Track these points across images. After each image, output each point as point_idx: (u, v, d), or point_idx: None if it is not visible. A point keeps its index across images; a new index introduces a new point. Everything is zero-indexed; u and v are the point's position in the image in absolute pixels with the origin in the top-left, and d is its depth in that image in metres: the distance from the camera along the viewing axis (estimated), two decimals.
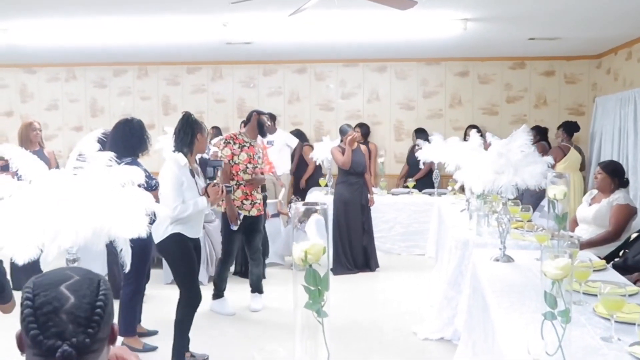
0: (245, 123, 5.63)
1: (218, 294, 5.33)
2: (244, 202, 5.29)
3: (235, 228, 5.22)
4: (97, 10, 5.69)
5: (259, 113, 5.47)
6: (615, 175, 4.84)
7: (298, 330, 1.66)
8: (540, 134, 8.15)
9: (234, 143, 5.33)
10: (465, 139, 6.72)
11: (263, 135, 5.61)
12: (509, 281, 3.26)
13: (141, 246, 3.80)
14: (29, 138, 6.13)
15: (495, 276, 3.38)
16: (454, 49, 8.01)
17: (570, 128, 7.82)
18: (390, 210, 7.61)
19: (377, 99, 9.24)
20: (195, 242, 4.14)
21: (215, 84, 9.43)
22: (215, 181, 4.35)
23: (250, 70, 9.32)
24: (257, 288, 5.46)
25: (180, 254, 4.02)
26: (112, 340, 1.28)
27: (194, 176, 4.07)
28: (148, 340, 4.53)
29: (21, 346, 1.23)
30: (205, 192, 4.05)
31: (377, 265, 6.82)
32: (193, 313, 4.06)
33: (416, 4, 3.66)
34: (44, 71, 9.59)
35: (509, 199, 3.74)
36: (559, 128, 7.98)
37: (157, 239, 4.03)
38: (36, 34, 6.93)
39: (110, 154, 1.85)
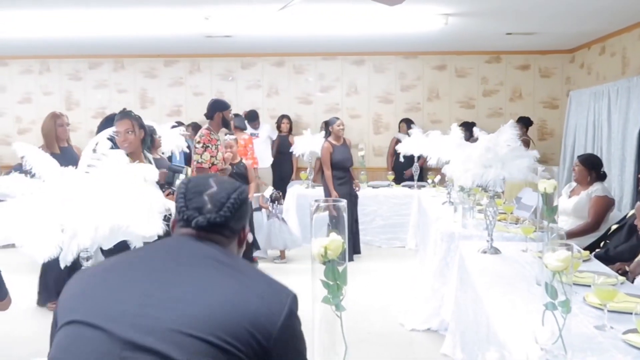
0: (207, 116, 5.40)
1: None
2: None
3: None
4: (73, 2, 5.60)
5: (222, 110, 5.29)
6: (593, 167, 4.98)
7: (317, 324, 1.69)
8: (526, 126, 8.34)
9: (212, 145, 5.22)
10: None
11: (228, 129, 5.62)
12: (498, 272, 3.34)
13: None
14: (56, 134, 5.28)
15: (485, 268, 3.45)
16: (433, 43, 8.09)
17: (526, 122, 8.32)
18: (371, 203, 7.67)
19: (355, 92, 9.29)
20: None
21: (193, 77, 9.37)
22: (172, 188, 3.90)
23: (229, 63, 9.28)
24: None
25: None
26: (241, 242, 1.52)
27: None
28: None
29: (173, 226, 1.51)
30: None
31: (357, 252, 6.97)
32: None
33: (404, 0, 3.70)
34: (17, 63, 9.41)
35: (496, 192, 3.82)
36: (517, 122, 8.21)
37: None
38: (8, 26, 6.78)
39: (123, 152, 1.86)
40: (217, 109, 5.30)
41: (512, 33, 7.30)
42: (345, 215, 1.63)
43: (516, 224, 4.53)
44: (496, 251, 3.79)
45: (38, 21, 6.52)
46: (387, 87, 9.25)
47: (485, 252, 3.81)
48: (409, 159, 7.72)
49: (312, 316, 1.68)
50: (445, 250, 4.55)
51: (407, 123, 8.51)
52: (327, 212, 1.66)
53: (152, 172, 1.88)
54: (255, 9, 5.59)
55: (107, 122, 4.50)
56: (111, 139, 2.01)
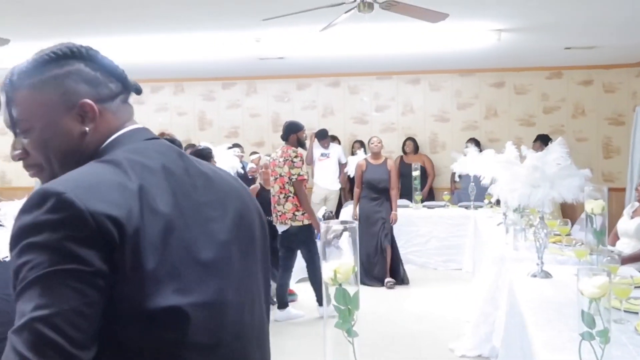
0: (283, 138, 5.69)
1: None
2: (296, 213, 5.43)
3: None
4: (134, 29, 5.83)
5: (296, 132, 5.60)
6: None
7: (329, 350, 1.64)
8: (546, 144, 8.01)
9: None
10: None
11: (303, 149, 5.97)
12: (546, 298, 3.18)
13: None
14: None
15: (532, 292, 3.30)
16: (489, 59, 7.93)
17: (545, 140, 7.92)
18: (426, 224, 7.53)
19: (411, 111, 9.19)
20: None
21: (249, 99, 9.52)
22: None
23: (284, 84, 9.39)
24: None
25: None
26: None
27: None
28: None
29: None
30: None
31: (407, 280, 6.73)
32: None
33: (447, 17, 3.64)
34: None
35: (545, 213, 3.66)
36: (535, 141, 8.03)
37: None
38: None
39: None
40: (292, 131, 5.61)
41: (572, 47, 7.06)
42: (356, 237, 1.58)
43: (571, 246, 4.32)
44: (547, 275, 3.61)
45: (104, 48, 6.79)
46: (443, 105, 9.11)
47: (535, 276, 3.64)
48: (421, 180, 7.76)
49: (323, 342, 1.63)
50: (496, 273, 4.39)
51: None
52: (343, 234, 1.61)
53: None
54: (301, 30, 5.63)
55: None
56: None
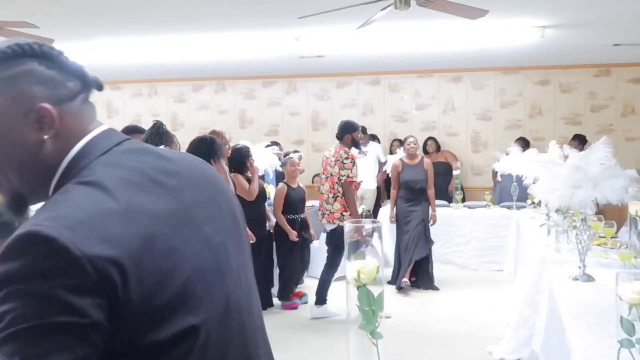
0: (338, 137, 5.63)
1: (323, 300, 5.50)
2: (343, 213, 5.41)
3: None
4: (176, 28, 5.91)
5: (351, 132, 5.55)
6: None
7: (352, 351, 1.62)
8: (582, 144, 7.77)
9: (355, 161, 5.53)
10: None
11: (358, 149, 5.90)
12: (587, 302, 3.07)
13: None
14: None
15: (573, 296, 3.19)
16: (533, 57, 7.74)
17: (582, 140, 7.84)
18: (467, 224, 7.40)
19: (452, 109, 9.06)
20: None
21: (289, 97, 9.55)
22: None
23: (324, 83, 9.38)
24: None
25: None
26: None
27: None
28: None
29: None
30: None
31: (433, 286, 6.50)
32: None
33: (487, 13, 3.55)
34: (128, 87, 10.04)
35: (587, 214, 3.53)
36: (573, 140, 7.86)
37: None
38: (120, 53, 7.28)
39: None
40: (347, 131, 5.57)
41: (621, 44, 6.82)
42: (380, 237, 1.55)
43: (616, 249, 4.17)
44: (589, 278, 3.49)
45: (147, 48, 6.94)
46: (486, 103, 8.94)
47: (576, 279, 3.52)
48: (442, 176, 7.68)
49: (346, 343, 1.60)
50: (536, 275, 4.28)
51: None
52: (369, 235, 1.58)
53: None
54: (339, 28, 5.60)
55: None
56: None
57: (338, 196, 5.42)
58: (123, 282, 0.87)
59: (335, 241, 5.50)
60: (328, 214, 5.49)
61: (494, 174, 8.36)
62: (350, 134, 5.55)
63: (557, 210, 4.38)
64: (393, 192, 6.62)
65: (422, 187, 6.45)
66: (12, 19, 4.02)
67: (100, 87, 1.13)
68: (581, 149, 7.41)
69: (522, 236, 6.02)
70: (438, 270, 7.23)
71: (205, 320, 0.97)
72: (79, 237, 0.86)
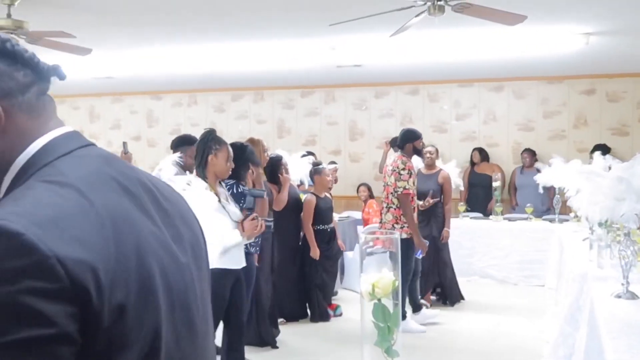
0: (399, 146, 5.52)
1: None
2: (395, 225, 5.28)
3: (421, 256, 5.35)
4: (215, 38, 5.95)
5: (412, 141, 5.41)
6: None
7: None
8: (604, 154, 7.48)
9: (413, 172, 5.34)
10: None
11: (420, 157, 5.74)
12: (630, 321, 2.91)
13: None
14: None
15: (614, 314, 3.03)
16: (578, 66, 7.52)
17: (605, 150, 7.41)
18: (506, 237, 7.21)
19: (493, 119, 8.86)
20: (237, 277, 3.62)
21: (327, 107, 9.51)
22: (254, 214, 3.66)
23: (362, 92, 9.31)
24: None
25: (213, 296, 3.54)
26: None
27: (219, 201, 3.46)
28: None
29: None
30: (241, 225, 3.52)
31: (456, 301, 6.25)
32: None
33: (525, 19, 3.44)
34: (169, 97, 10.18)
35: (631, 228, 3.36)
36: (593, 151, 7.49)
37: None
38: (161, 63, 7.38)
39: (189, 178, 1.85)
40: (408, 140, 5.42)
41: None
42: (398, 249, 1.47)
43: None
44: (633, 296, 3.31)
45: (187, 58, 7.02)
46: (528, 113, 8.71)
47: (619, 297, 3.35)
48: (485, 189, 7.43)
49: None
50: (577, 291, 4.09)
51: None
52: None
53: (210, 200, 1.84)
54: (375, 36, 5.53)
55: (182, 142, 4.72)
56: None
57: (392, 207, 5.30)
58: (98, 290, 0.77)
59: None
60: (383, 224, 5.41)
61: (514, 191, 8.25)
62: (411, 143, 5.39)
63: (600, 224, 4.19)
64: None
65: (434, 199, 5.94)
66: (50, 29, 4.10)
67: (61, 76, 1.00)
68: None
69: (564, 251, 5.81)
70: (476, 284, 7.06)
71: (168, 342, 0.88)
72: (49, 235, 0.75)
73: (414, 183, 5.34)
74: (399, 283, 1.48)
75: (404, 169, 5.26)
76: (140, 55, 6.89)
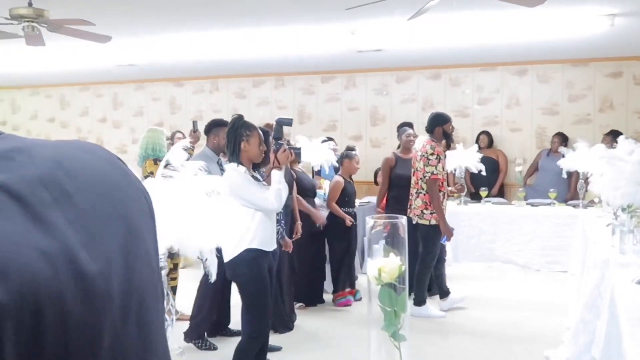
0: (428, 130, 5.43)
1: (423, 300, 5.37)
2: (424, 211, 5.29)
3: (446, 242, 5.37)
4: (234, 24, 5.94)
5: (442, 124, 5.33)
6: None
7: (373, 353, 1.54)
8: (615, 139, 7.30)
9: (442, 157, 5.28)
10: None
11: (449, 141, 5.62)
12: None
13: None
14: None
15: (634, 302, 2.98)
16: (603, 47, 7.35)
17: (615, 135, 7.28)
18: (529, 222, 7.13)
19: (517, 104, 8.73)
20: (270, 260, 3.57)
21: (348, 92, 9.47)
22: (283, 145, 3.65)
23: (383, 77, 9.24)
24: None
25: (250, 277, 3.40)
26: None
27: (258, 180, 3.58)
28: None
29: None
30: (276, 159, 3.54)
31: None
32: (253, 351, 3.54)
33: (545, 0, 3.36)
34: (191, 84, 10.23)
35: None
36: (607, 135, 7.58)
37: (226, 258, 3.42)
38: (182, 50, 7.41)
39: (200, 164, 1.86)
40: (438, 123, 5.36)
41: None
42: (404, 234, 1.47)
43: None
44: None
45: (208, 44, 7.03)
46: (552, 97, 8.57)
47: None
48: (489, 173, 7.36)
49: (367, 345, 1.53)
50: (598, 278, 4.03)
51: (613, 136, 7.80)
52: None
53: (220, 185, 1.85)
54: (395, 20, 5.47)
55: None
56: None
57: (421, 192, 5.29)
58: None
59: (421, 238, 5.38)
60: (412, 210, 5.39)
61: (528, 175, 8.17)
62: (441, 127, 5.33)
63: (623, 209, 4.12)
64: (381, 188, 6.07)
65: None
66: (70, 17, 4.14)
67: None
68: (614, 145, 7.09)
69: (587, 236, 5.73)
70: (498, 270, 7.01)
71: None
72: None
73: (443, 168, 5.31)
74: (405, 268, 1.47)
75: (432, 154, 5.23)
76: (161, 42, 6.92)
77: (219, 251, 1.84)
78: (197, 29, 6.15)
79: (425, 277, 5.41)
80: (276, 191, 3.44)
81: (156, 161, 4.76)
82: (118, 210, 0.72)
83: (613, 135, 7.59)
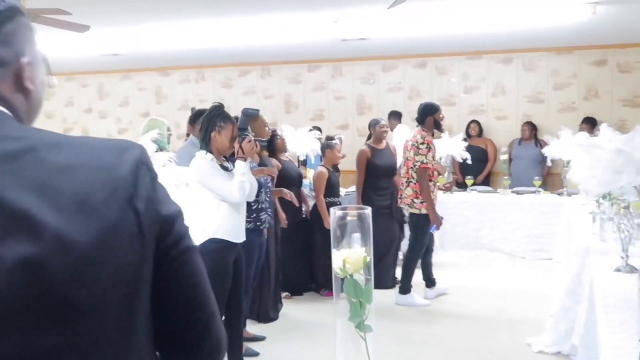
0: (418, 121, 5.44)
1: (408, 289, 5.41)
2: (414, 200, 5.31)
3: (435, 231, 5.40)
4: (218, 12, 5.88)
5: (432, 114, 5.36)
6: None
7: (339, 344, 1.54)
8: (592, 127, 7.34)
9: (432, 146, 5.32)
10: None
11: (439, 130, 5.66)
12: (626, 295, 2.87)
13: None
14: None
15: (611, 289, 3.01)
16: (587, 36, 7.36)
17: (592, 123, 7.66)
18: (514, 211, 7.16)
19: (502, 92, 8.74)
20: (238, 252, 3.55)
21: (335, 82, 9.44)
22: (248, 136, 3.61)
23: (370, 66, 9.22)
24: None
25: (211, 268, 3.44)
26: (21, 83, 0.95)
27: (227, 170, 3.52)
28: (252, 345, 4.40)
29: None
30: (240, 149, 3.49)
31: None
32: None
33: None
34: (177, 74, 10.16)
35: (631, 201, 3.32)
36: (582, 123, 7.75)
37: None
38: (167, 39, 7.34)
39: (170, 155, 1.85)
40: (428, 113, 5.38)
41: None
42: (370, 224, 1.46)
43: None
44: (632, 270, 3.28)
45: (193, 33, 6.96)
46: (538, 85, 8.58)
47: (619, 270, 3.33)
48: (478, 162, 7.53)
49: (334, 335, 1.53)
50: (579, 265, 4.06)
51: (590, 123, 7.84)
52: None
53: (190, 176, 1.84)
54: (377, 9, 5.44)
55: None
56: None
57: (411, 182, 5.31)
58: None
59: (411, 227, 5.45)
60: (403, 199, 5.43)
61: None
62: (432, 116, 5.35)
63: (604, 197, 4.14)
64: (360, 180, 6.01)
65: (394, 173, 5.98)
66: (46, 7, 4.08)
67: None
68: (592, 133, 7.10)
69: (571, 224, 5.77)
70: (484, 257, 7.05)
71: None
72: None
73: (433, 157, 5.34)
74: (370, 259, 1.47)
75: (422, 143, 5.26)
76: (144, 31, 6.85)
77: None
78: (181, 17, 6.09)
79: (413, 265, 5.44)
80: (240, 183, 3.37)
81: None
82: (45, 192, 0.77)
83: (590, 124, 7.65)
